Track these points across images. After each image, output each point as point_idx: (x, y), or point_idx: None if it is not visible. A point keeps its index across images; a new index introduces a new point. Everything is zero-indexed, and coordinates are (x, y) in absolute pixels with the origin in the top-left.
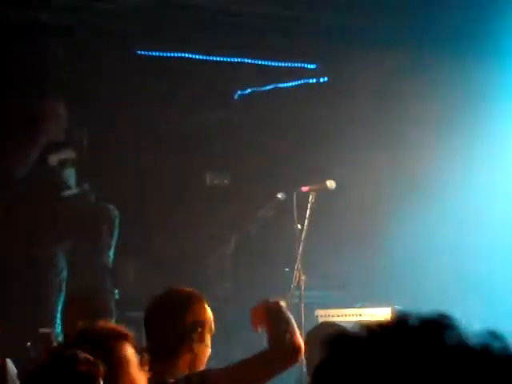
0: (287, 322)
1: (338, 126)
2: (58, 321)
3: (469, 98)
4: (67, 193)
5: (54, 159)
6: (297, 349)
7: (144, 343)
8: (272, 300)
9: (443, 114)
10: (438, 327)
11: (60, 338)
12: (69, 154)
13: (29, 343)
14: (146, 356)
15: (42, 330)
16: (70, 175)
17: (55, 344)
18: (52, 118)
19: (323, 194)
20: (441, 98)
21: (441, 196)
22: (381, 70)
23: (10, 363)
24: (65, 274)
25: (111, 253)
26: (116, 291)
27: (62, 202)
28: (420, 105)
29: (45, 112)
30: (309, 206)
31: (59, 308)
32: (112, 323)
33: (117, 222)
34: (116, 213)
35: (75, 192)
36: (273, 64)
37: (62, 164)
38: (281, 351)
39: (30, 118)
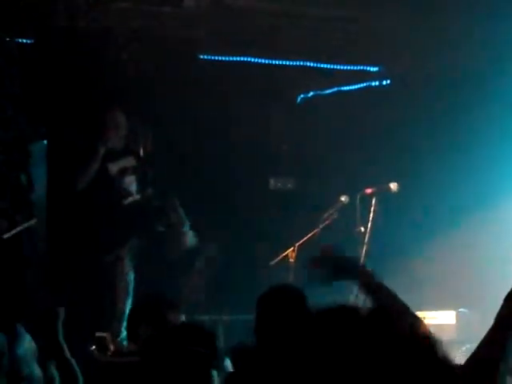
0: None
1: (401, 128)
2: (125, 324)
3: None
4: (129, 200)
5: (114, 168)
6: None
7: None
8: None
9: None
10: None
11: (125, 342)
12: (129, 161)
13: (93, 347)
14: None
15: (97, 334)
16: (131, 182)
17: (112, 348)
18: (112, 128)
19: (388, 196)
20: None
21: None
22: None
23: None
24: (131, 276)
25: (188, 236)
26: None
27: (123, 209)
28: (486, 112)
29: (105, 123)
30: (372, 208)
31: (127, 311)
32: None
33: (181, 211)
34: (178, 203)
35: (137, 198)
36: (335, 67)
37: (122, 172)
38: None
39: (90, 128)
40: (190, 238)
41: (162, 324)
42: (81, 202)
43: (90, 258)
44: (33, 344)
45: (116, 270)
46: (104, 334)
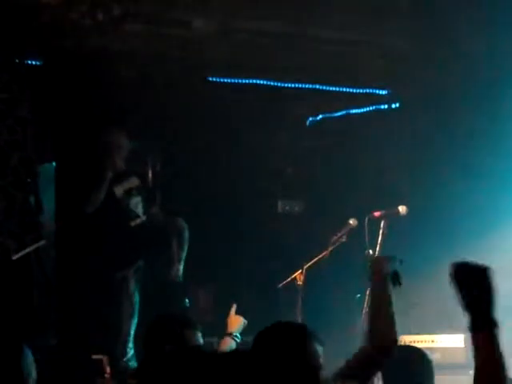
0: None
1: (411, 151)
2: (131, 345)
3: None
4: (137, 221)
5: (119, 190)
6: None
7: None
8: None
9: None
10: None
11: (132, 362)
12: (133, 182)
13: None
14: None
15: (94, 357)
16: (138, 203)
17: (108, 370)
18: (116, 151)
19: (397, 219)
20: None
21: None
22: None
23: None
24: (137, 297)
25: (181, 266)
26: (186, 300)
27: (130, 231)
28: (495, 135)
29: (110, 147)
30: (380, 231)
31: (132, 332)
32: None
33: (186, 234)
34: (185, 225)
35: (143, 220)
36: (344, 90)
37: (128, 193)
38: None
39: (95, 152)
40: (180, 271)
41: (181, 343)
42: (88, 223)
43: (97, 279)
44: (34, 364)
45: (122, 290)
46: (101, 357)
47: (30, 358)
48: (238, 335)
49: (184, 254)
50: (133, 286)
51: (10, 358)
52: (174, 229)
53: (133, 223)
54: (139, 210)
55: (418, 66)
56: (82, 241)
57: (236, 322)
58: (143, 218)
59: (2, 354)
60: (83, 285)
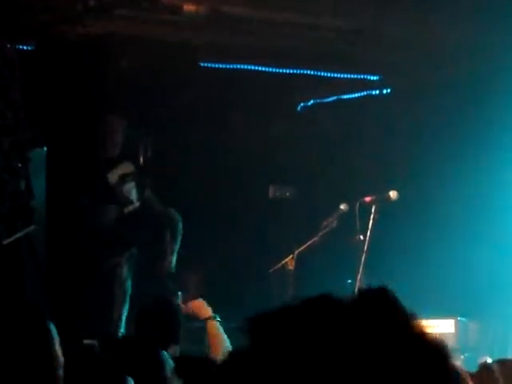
0: None
1: (402, 136)
2: (122, 331)
3: None
4: (130, 208)
5: (113, 176)
6: None
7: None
8: None
9: None
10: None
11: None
12: (127, 168)
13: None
14: None
15: (85, 342)
16: (131, 189)
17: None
18: (108, 132)
19: (387, 204)
20: None
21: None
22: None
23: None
24: (129, 284)
25: (174, 258)
26: (179, 293)
27: (123, 217)
28: (488, 121)
29: (101, 127)
30: (371, 216)
31: (123, 318)
32: None
33: (180, 226)
34: (178, 217)
35: (137, 206)
36: (335, 75)
37: (122, 179)
38: None
39: (90, 136)
40: (172, 263)
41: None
42: (82, 209)
43: (89, 265)
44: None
45: (114, 277)
46: (92, 342)
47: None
48: (217, 316)
49: (177, 246)
50: (125, 272)
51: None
52: (167, 220)
53: (126, 210)
54: (133, 196)
55: (409, 52)
56: (73, 227)
57: (203, 306)
58: (136, 204)
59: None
60: (75, 270)
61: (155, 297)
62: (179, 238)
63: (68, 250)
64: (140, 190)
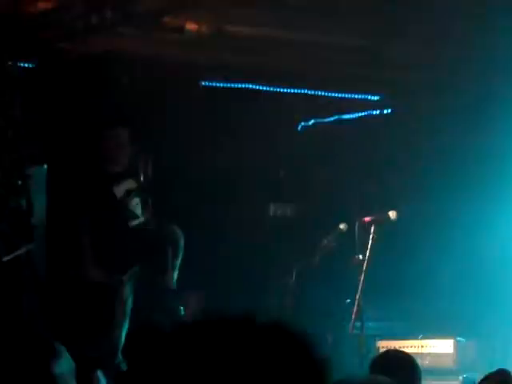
0: None
1: (402, 156)
2: (122, 340)
3: None
4: (135, 223)
5: (120, 190)
6: None
7: None
8: None
9: None
10: None
11: (122, 366)
12: (133, 183)
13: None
14: None
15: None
16: (137, 204)
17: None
18: (114, 145)
19: (387, 225)
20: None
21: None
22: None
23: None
24: (130, 302)
25: (175, 274)
26: (181, 308)
27: (129, 233)
28: (489, 140)
29: (110, 141)
30: (370, 236)
31: (123, 336)
32: None
33: (181, 243)
34: (180, 233)
35: (142, 221)
36: (336, 95)
37: (128, 194)
38: None
39: (95, 147)
40: (174, 279)
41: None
42: (90, 222)
43: (91, 282)
44: (71, 362)
45: (116, 295)
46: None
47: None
48: None
49: (178, 262)
50: (128, 291)
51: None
52: (169, 236)
53: (132, 224)
54: (138, 211)
55: (409, 72)
56: (75, 242)
57: None
58: (142, 219)
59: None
60: (75, 288)
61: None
62: (181, 254)
63: (68, 266)
64: (144, 205)
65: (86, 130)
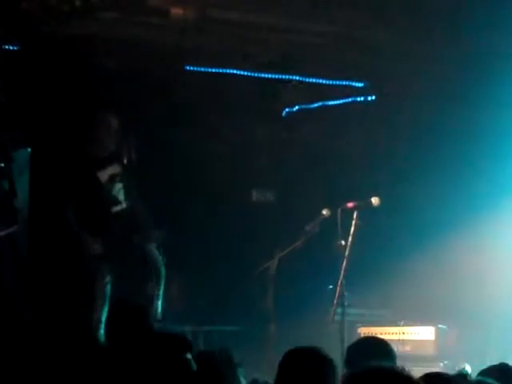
0: None
1: (385, 143)
2: (102, 332)
3: None
4: (117, 208)
5: (103, 175)
6: None
7: None
8: None
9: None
10: None
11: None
12: (115, 168)
13: None
14: None
15: None
16: (119, 189)
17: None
18: (102, 129)
19: (371, 211)
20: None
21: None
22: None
23: None
24: (109, 286)
25: (160, 303)
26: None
27: (111, 217)
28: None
29: (96, 123)
30: (353, 222)
31: (103, 319)
32: None
33: (163, 272)
34: (162, 260)
35: (124, 207)
36: (321, 81)
37: (111, 179)
38: None
39: (82, 131)
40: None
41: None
42: (64, 208)
43: (72, 265)
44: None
45: (96, 278)
46: None
47: None
48: None
49: (161, 292)
50: (107, 273)
51: None
52: (152, 262)
53: (114, 209)
54: (121, 196)
55: (394, 59)
56: (56, 225)
57: None
58: (124, 204)
59: None
60: (56, 270)
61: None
62: (163, 283)
63: (50, 249)
64: (127, 191)
65: (71, 114)
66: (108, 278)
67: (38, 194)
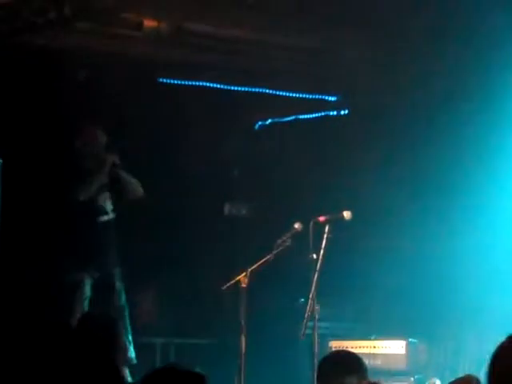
0: None
1: (357, 156)
2: None
3: None
4: (104, 218)
5: (92, 186)
6: None
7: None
8: None
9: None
10: None
11: None
12: (103, 179)
13: None
14: None
15: None
16: (105, 199)
17: None
18: (92, 143)
19: (342, 224)
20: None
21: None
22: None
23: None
24: (87, 303)
25: (132, 347)
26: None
27: (97, 229)
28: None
29: (85, 138)
30: (325, 236)
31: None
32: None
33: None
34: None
35: (111, 218)
36: (294, 95)
37: (100, 189)
38: None
39: (70, 145)
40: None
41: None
42: (40, 218)
43: (47, 278)
44: None
45: (76, 293)
46: None
47: None
48: None
49: (130, 336)
50: (87, 290)
51: None
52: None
53: (101, 219)
54: (108, 206)
55: (367, 74)
56: (29, 235)
57: None
58: (111, 215)
59: None
60: (29, 283)
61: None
62: (129, 325)
63: (22, 260)
64: (113, 201)
65: (41, 125)
66: (87, 294)
67: (10, 206)
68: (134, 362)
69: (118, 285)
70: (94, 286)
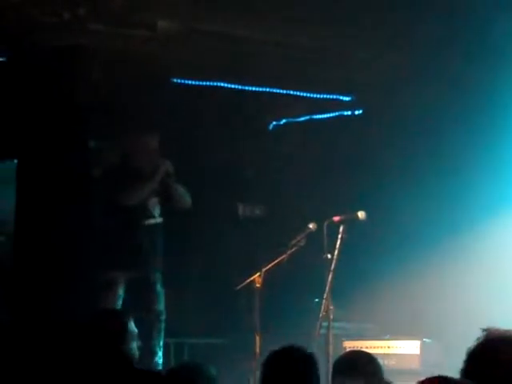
0: None
1: (372, 156)
2: None
3: None
4: (150, 221)
5: (144, 189)
6: None
7: None
8: None
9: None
10: None
11: None
12: (155, 185)
13: None
14: None
15: None
16: (155, 204)
17: None
18: (143, 152)
19: (357, 224)
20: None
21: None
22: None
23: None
24: (120, 304)
25: (161, 353)
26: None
27: (140, 231)
28: (457, 139)
29: (137, 148)
30: (339, 236)
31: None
32: None
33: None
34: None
35: (158, 221)
36: (308, 95)
37: (149, 194)
38: None
39: (121, 154)
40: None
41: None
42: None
43: (81, 276)
44: None
45: (108, 291)
46: None
47: None
48: None
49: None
50: (121, 291)
51: None
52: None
53: (146, 222)
54: (156, 211)
55: (380, 73)
56: (46, 237)
57: None
58: (158, 219)
59: None
60: (50, 283)
61: None
62: (162, 334)
63: (38, 261)
64: (161, 206)
65: (55, 127)
66: (120, 294)
67: (25, 206)
68: (160, 367)
69: (159, 289)
70: (132, 288)
